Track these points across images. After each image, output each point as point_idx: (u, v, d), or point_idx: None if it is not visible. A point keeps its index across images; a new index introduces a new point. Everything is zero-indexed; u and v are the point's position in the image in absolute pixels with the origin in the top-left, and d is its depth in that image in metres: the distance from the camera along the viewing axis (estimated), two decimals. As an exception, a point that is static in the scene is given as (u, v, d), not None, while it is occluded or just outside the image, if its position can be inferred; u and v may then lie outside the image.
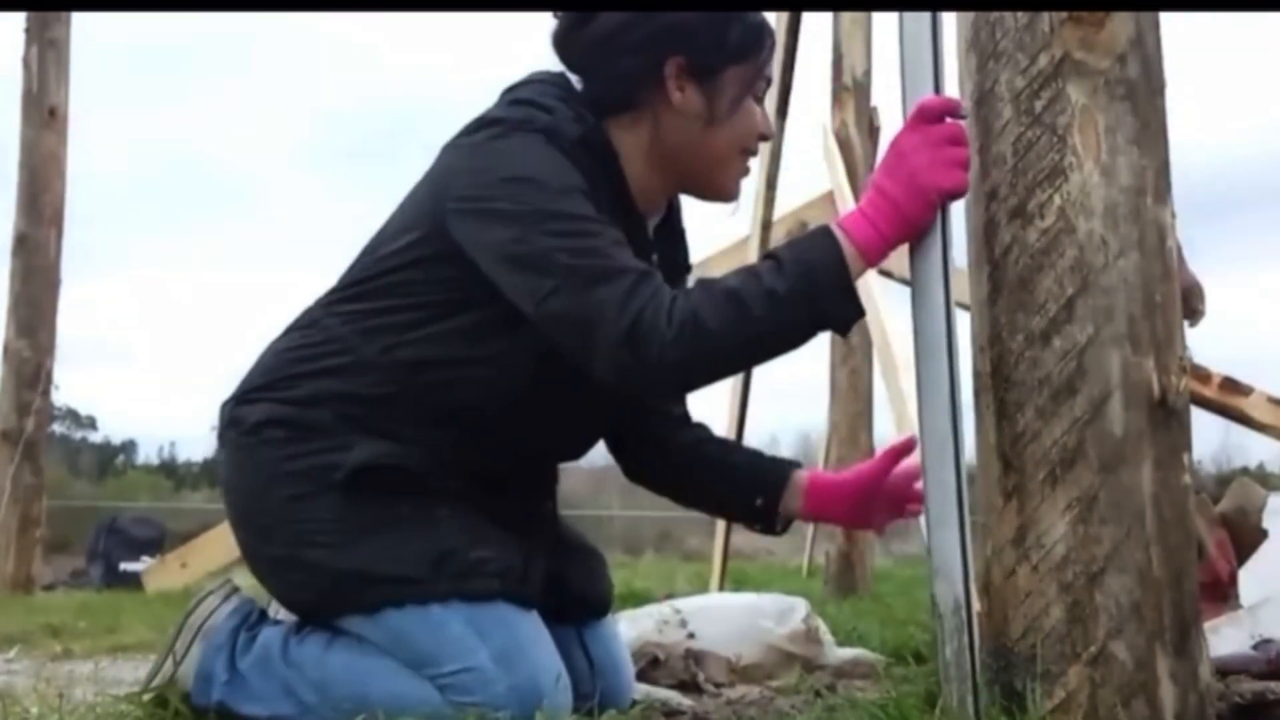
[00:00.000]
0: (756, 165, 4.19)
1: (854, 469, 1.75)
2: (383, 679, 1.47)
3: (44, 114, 5.62)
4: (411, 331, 1.52)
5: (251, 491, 1.57)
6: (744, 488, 1.74)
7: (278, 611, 1.66)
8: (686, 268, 1.76)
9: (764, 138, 1.61)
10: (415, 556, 1.48)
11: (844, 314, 1.37)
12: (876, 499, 1.70)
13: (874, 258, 1.35)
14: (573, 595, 1.66)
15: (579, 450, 1.72)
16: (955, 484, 1.29)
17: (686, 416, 1.82)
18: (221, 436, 1.62)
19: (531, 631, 1.50)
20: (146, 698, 1.54)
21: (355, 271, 1.60)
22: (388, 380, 1.53)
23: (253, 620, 1.59)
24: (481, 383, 1.52)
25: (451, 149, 1.56)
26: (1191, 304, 2.72)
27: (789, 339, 1.39)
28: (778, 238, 4.68)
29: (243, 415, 1.58)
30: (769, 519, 1.73)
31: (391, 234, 1.58)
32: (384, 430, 1.52)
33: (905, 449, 1.67)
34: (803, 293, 1.33)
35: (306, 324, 1.62)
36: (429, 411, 1.53)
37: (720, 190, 1.62)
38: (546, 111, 1.50)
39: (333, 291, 1.62)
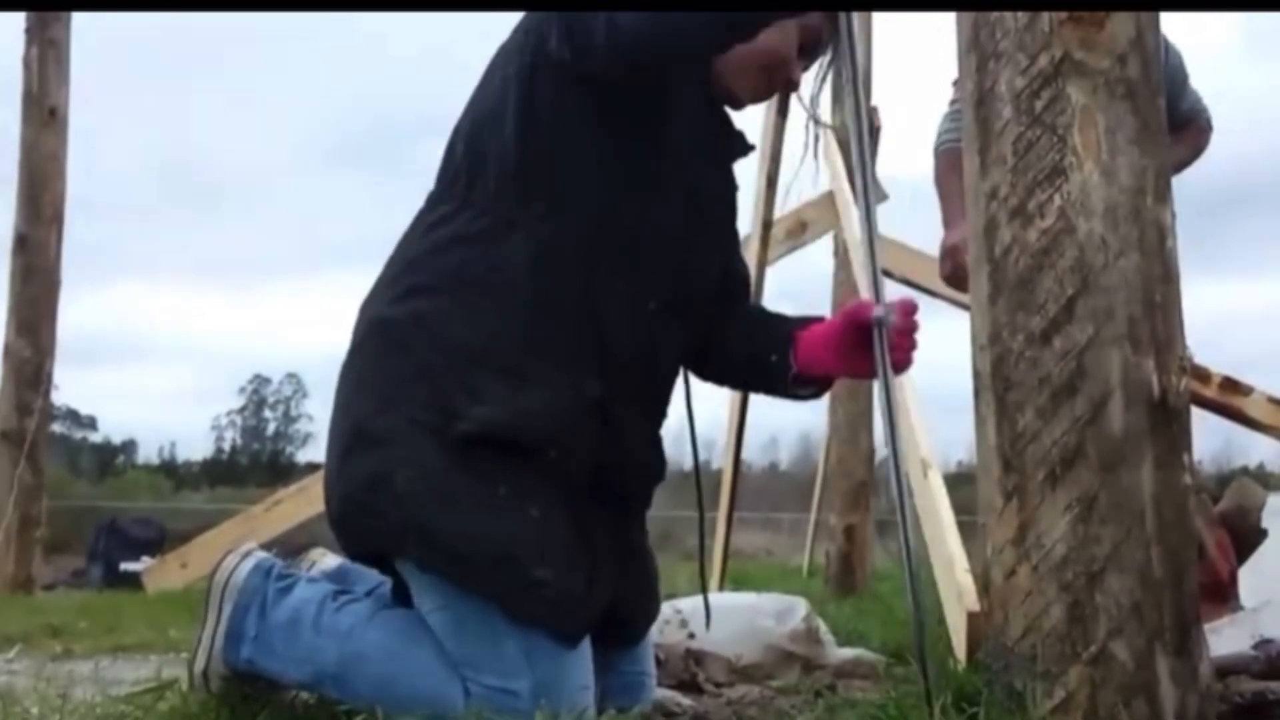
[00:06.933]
0: (756, 165, 4.20)
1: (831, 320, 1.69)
2: (414, 673, 1.47)
3: (44, 114, 5.61)
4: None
5: (376, 393, 1.53)
6: (761, 347, 1.71)
7: (310, 567, 1.67)
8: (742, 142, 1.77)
9: (790, 83, 1.66)
10: (481, 543, 1.46)
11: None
12: (860, 345, 1.60)
13: None
14: (617, 619, 1.62)
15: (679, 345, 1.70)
16: None
17: (751, 309, 1.83)
18: (363, 339, 1.59)
19: (577, 671, 1.49)
20: (199, 667, 1.56)
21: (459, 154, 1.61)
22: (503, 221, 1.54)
23: (278, 572, 1.60)
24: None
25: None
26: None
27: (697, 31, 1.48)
28: (778, 237, 4.68)
29: (388, 315, 1.57)
30: (785, 376, 1.68)
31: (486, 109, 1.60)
32: (512, 363, 1.50)
33: (859, 312, 1.60)
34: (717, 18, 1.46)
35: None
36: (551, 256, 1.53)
37: (728, 94, 1.68)
38: None
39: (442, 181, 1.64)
